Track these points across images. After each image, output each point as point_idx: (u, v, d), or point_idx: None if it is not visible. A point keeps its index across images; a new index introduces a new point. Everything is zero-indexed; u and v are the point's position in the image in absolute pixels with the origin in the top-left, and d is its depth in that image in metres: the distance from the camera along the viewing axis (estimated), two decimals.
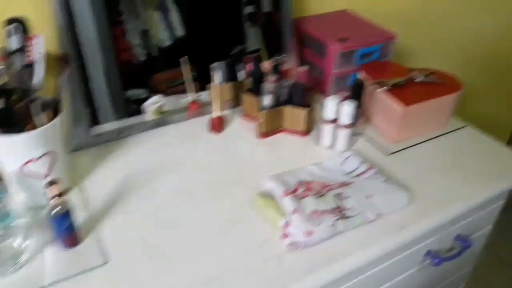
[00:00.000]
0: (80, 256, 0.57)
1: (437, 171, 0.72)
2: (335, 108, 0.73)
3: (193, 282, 0.54)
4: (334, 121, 0.74)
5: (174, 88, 0.82)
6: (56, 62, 0.59)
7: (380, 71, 0.86)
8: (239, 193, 0.67)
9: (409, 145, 0.78)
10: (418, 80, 0.82)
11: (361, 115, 0.77)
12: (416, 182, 0.69)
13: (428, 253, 0.74)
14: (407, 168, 0.73)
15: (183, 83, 0.82)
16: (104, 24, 0.73)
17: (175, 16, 0.79)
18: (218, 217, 0.63)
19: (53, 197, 0.53)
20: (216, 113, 0.80)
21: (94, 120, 0.77)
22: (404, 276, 0.74)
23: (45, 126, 0.58)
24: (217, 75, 0.82)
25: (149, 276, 0.54)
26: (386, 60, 0.93)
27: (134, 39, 0.77)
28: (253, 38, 0.88)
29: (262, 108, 0.78)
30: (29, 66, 0.58)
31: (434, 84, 0.82)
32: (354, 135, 0.78)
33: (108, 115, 0.78)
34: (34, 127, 0.58)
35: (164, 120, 0.82)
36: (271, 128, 0.80)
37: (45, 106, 0.59)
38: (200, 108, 0.83)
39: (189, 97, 0.83)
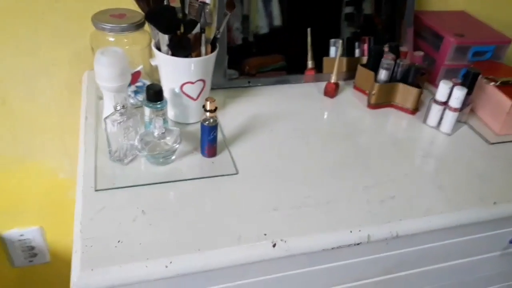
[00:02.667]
0: (217, 165, 0.69)
1: None
2: (447, 91, 0.80)
3: (306, 201, 0.64)
4: (444, 103, 0.81)
5: (264, 73, 0.92)
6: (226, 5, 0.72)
7: (491, 69, 0.90)
8: (344, 146, 0.76)
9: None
10: None
11: (469, 103, 0.82)
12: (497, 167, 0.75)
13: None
14: (506, 159, 0.78)
15: (273, 69, 0.92)
16: None
17: (276, 6, 0.89)
18: (326, 160, 0.73)
19: (209, 111, 0.66)
20: (332, 80, 0.89)
21: (230, 67, 0.89)
22: (487, 256, 0.79)
23: (206, 56, 0.71)
24: (334, 48, 0.91)
25: (269, 189, 0.65)
26: (499, 62, 0.97)
27: (234, 23, 0.87)
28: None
29: (376, 81, 0.86)
30: (203, 4, 0.70)
31: None
32: (459, 121, 0.84)
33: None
34: (198, 55, 0.72)
35: (285, 79, 0.93)
36: (381, 101, 0.88)
37: (207, 41, 0.72)
38: (315, 75, 0.94)
39: (309, 62, 0.93)
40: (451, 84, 0.80)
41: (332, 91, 0.90)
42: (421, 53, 0.89)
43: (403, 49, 0.90)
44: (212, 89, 0.88)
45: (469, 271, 0.81)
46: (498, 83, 0.85)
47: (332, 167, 0.72)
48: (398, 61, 0.86)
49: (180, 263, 0.54)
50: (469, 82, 0.80)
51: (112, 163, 0.67)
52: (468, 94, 0.81)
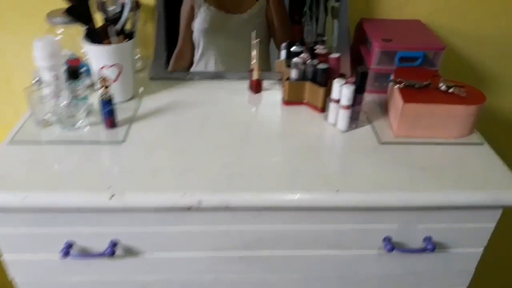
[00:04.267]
0: (111, 134, 0.83)
1: (414, 168, 0.77)
2: (339, 89, 0.84)
3: (166, 166, 0.75)
4: (337, 101, 0.86)
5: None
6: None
7: (411, 74, 0.91)
8: (237, 132, 0.85)
9: (406, 142, 0.84)
10: (442, 88, 0.86)
11: (360, 102, 0.85)
12: (386, 172, 0.76)
13: (385, 239, 0.79)
14: (389, 159, 0.79)
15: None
16: None
17: None
18: (211, 140, 0.83)
19: (102, 87, 0.81)
20: (254, 76, 0.98)
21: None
22: (364, 253, 0.81)
23: (115, 45, 0.86)
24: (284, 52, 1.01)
25: (143, 156, 0.78)
26: (433, 69, 0.97)
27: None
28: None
29: (287, 79, 0.93)
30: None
31: (456, 95, 0.85)
32: (356, 118, 0.87)
33: None
34: (109, 43, 0.87)
35: (222, 74, 1.04)
36: (293, 99, 0.95)
37: (119, 33, 0.87)
38: (261, 72, 1.03)
39: (254, 73, 1.03)
40: (342, 82, 0.84)
41: (254, 87, 0.99)
42: (336, 55, 0.94)
43: (320, 51, 0.96)
44: (152, 79, 1.03)
45: (346, 266, 0.83)
46: (401, 86, 0.86)
47: (212, 146, 0.81)
48: (308, 61, 0.92)
49: (34, 199, 0.69)
50: (358, 81, 0.83)
51: (36, 125, 0.85)
52: (359, 92, 0.84)
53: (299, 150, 0.81)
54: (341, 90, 0.84)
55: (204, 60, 1.05)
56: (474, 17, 1.12)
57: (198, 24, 1.02)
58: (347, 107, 0.84)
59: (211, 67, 1.05)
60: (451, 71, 1.13)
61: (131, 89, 0.95)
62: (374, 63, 0.97)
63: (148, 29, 1.10)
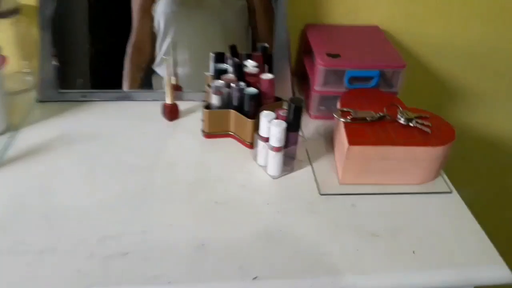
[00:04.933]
0: None
1: (361, 234, 0.58)
2: (267, 126, 0.64)
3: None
4: (266, 139, 0.65)
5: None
6: None
7: (363, 100, 0.72)
8: (132, 179, 0.64)
9: (354, 192, 0.65)
10: (401, 121, 0.67)
11: (295, 142, 0.66)
12: (322, 243, 0.57)
13: None
14: (329, 221, 0.60)
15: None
16: None
17: None
18: (98, 192, 0.61)
19: None
20: (167, 100, 0.77)
21: (65, 80, 0.81)
22: None
23: None
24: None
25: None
26: (392, 92, 0.78)
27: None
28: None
29: (206, 107, 0.72)
30: None
31: (418, 130, 0.66)
32: (291, 159, 0.67)
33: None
34: None
35: (127, 95, 0.83)
36: (216, 130, 0.74)
37: None
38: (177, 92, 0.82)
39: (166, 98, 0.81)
40: (270, 117, 0.64)
41: (168, 113, 0.78)
42: (269, 76, 0.73)
43: (250, 69, 0.75)
44: (42, 101, 0.81)
45: None
46: (349, 119, 0.67)
47: (93, 208, 0.60)
48: (232, 85, 0.71)
49: None
50: (291, 116, 0.63)
51: None
52: (293, 130, 0.64)
53: (212, 209, 0.61)
54: (270, 128, 0.63)
55: (170, 52, 0.82)
56: (441, 23, 0.93)
57: (162, 7, 0.80)
58: (278, 149, 0.64)
59: (182, 63, 0.83)
60: (415, 84, 0.95)
61: (3, 116, 0.73)
62: (318, 84, 0.77)
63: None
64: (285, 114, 0.64)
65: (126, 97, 0.83)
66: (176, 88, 0.84)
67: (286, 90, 0.83)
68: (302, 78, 0.89)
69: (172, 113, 0.78)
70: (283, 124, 0.62)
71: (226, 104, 0.73)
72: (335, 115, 0.68)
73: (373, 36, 0.87)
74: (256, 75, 0.74)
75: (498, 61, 1.00)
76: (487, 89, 1.03)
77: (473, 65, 1.00)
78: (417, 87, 1.00)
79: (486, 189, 1.17)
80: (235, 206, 0.61)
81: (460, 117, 1.06)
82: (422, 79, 1.00)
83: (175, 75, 0.83)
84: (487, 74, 1.01)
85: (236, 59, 0.75)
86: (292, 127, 0.64)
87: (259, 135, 0.66)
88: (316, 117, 0.81)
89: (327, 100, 0.79)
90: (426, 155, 0.64)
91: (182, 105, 0.81)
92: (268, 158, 0.66)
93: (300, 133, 0.66)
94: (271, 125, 0.63)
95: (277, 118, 0.64)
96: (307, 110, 0.82)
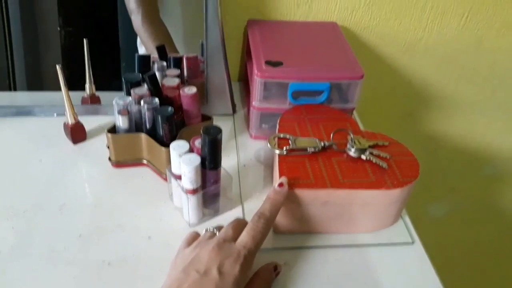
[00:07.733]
0: None
1: None
2: (178, 162, 0.50)
3: None
4: (179, 177, 0.51)
5: None
6: None
7: (307, 122, 0.58)
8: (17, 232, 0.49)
9: (289, 246, 0.51)
10: (351, 153, 0.53)
11: (216, 181, 0.51)
12: None
13: None
14: None
15: None
16: None
17: None
18: None
19: None
20: (70, 119, 0.62)
21: None
22: None
23: None
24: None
25: None
26: (348, 108, 0.64)
27: None
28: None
29: (110, 130, 0.57)
30: None
31: (371, 165, 0.52)
32: (214, 202, 0.53)
33: None
34: None
35: (29, 110, 0.67)
36: (125, 159, 0.59)
37: None
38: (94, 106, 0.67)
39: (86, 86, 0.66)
40: (182, 150, 0.49)
41: (72, 134, 0.63)
42: (193, 90, 0.58)
43: (169, 82, 0.60)
44: None
45: None
46: (285, 151, 0.53)
47: None
48: (143, 102, 0.56)
49: None
50: (207, 150, 0.49)
51: None
52: (212, 168, 0.50)
53: (100, 273, 0.47)
54: (181, 165, 0.49)
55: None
56: (412, 17, 0.79)
57: None
58: (192, 192, 0.50)
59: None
60: (382, 90, 0.81)
61: None
62: (257, 99, 0.63)
63: None
64: (198, 147, 0.50)
65: (27, 112, 0.67)
66: (92, 99, 0.70)
67: (223, 104, 0.69)
68: (247, 87, 0.74)
69: (75, 134, 0.63)
70: (195, 162, 0.48)
71: (139, 125, 0.58)
72: (268, 145, 0.54)
73: (329, 35, 0.72)
74: (177, 87, 0.59)
75: (478, 62, 0.86)
76: (466, 94, 0.90)
77: (449, 66, 0.86)
78: (384, 93, 0.86)
79: (463, 205, 1.04)
80: (132, 269, 0.47)
81: (435, 126, 0.92)
82: (391, 83, 0.86)
83: (90, 81, 0.68)
84: (466, 77, 0.88)
85: (163, 62, 0.60)
86: (210, 164, 0.49)
87: (170, 171, 0.52)
88: (257, 137, 0.66)
89: (270, 117, 0.65)
90: (378, 200, 0.50)
91: (96, 122, 0.66)
92: (182, 200, 0.52)
93: (222, 170, 0.52)
94: (181, 162, 0.48)
95: (191, 150, 0.50)
96: (248, 128, 0.68)
